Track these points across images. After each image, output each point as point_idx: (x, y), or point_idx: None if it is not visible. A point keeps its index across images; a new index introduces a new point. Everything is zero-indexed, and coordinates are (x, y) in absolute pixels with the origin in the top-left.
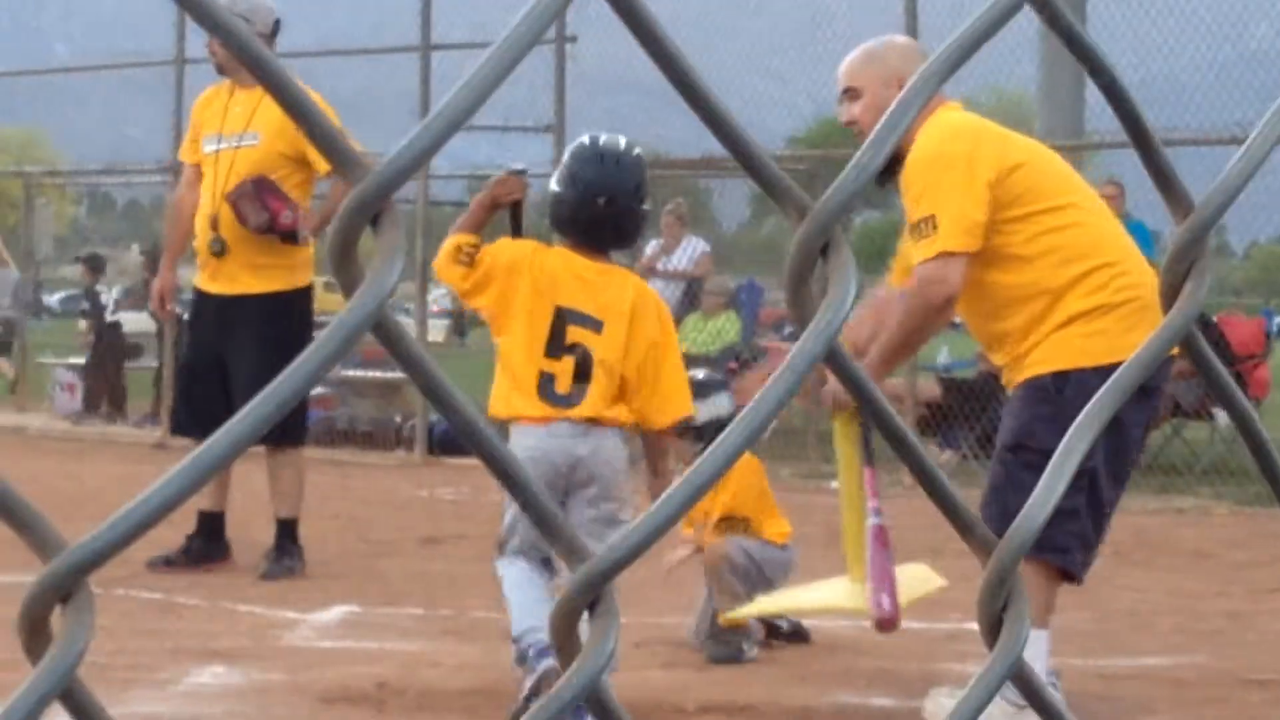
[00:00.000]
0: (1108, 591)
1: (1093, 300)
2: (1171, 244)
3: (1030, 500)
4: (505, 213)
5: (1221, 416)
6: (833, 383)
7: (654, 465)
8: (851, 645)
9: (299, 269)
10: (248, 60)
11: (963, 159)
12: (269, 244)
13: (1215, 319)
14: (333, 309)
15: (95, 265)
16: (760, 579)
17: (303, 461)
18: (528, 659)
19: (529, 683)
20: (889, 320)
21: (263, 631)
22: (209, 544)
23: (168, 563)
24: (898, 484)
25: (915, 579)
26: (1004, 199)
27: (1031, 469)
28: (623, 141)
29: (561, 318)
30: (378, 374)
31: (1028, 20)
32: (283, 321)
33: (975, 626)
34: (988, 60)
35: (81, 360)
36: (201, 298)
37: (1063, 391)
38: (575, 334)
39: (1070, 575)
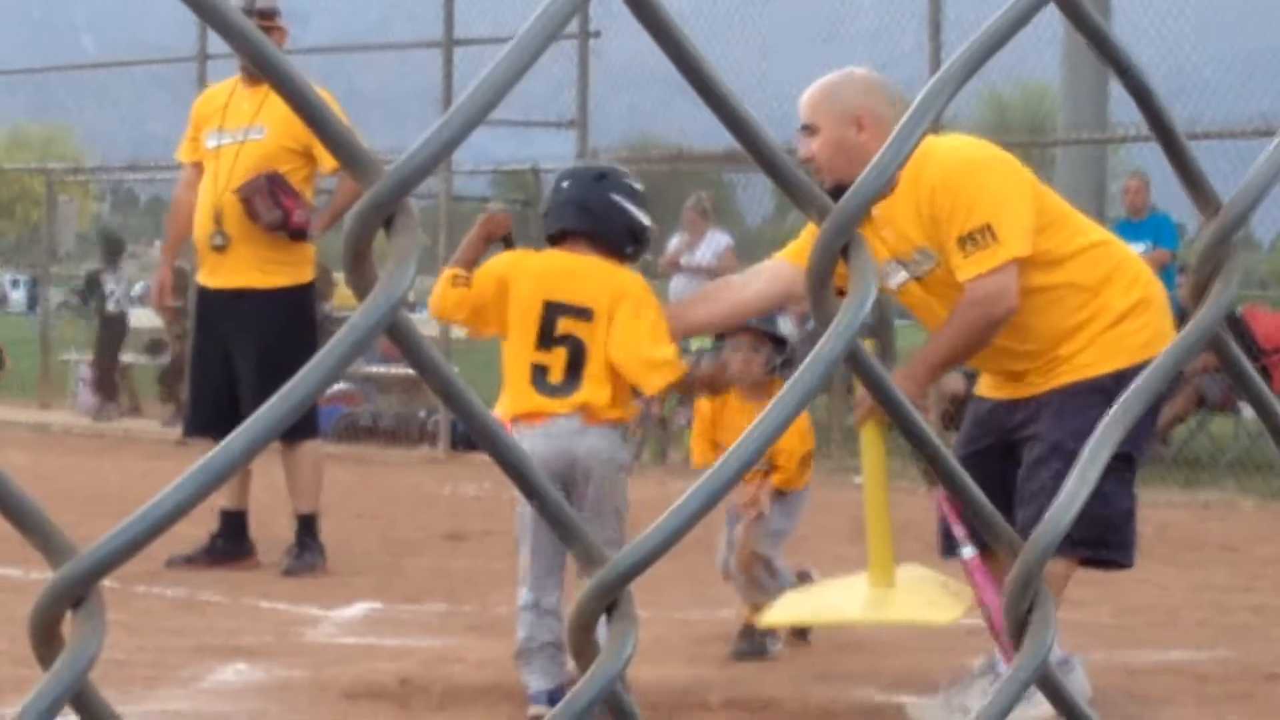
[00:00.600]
0: (1132, 586)
1: (1133, 295)
2: (1199, 244)
3: (1056, 503)
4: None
5: (1247, 410)
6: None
7: None
8: (875, 642)
9: (302, 265)
10: (261, 63)
11: (1004, 164)
12: (274, 240)
13: (1241, 311)
14: (352, 305)
15: (111, 248)
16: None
17: (319, 454)
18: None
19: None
20: (944, 328)
21: (286, 628)
22: (232, 543)
23: (188, 560)
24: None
25: (925, 596)
26: (1037, 206)
27: (1105, 472)
28: (605, 170)
29: (551, 311)
30: (401, 370)
31: (1052, 12)
32: (287, 317)
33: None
34: (1012, 52)
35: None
36: (203, 294)
37: (1120, 390)
38: (566, 325)
39: (1122, 565)
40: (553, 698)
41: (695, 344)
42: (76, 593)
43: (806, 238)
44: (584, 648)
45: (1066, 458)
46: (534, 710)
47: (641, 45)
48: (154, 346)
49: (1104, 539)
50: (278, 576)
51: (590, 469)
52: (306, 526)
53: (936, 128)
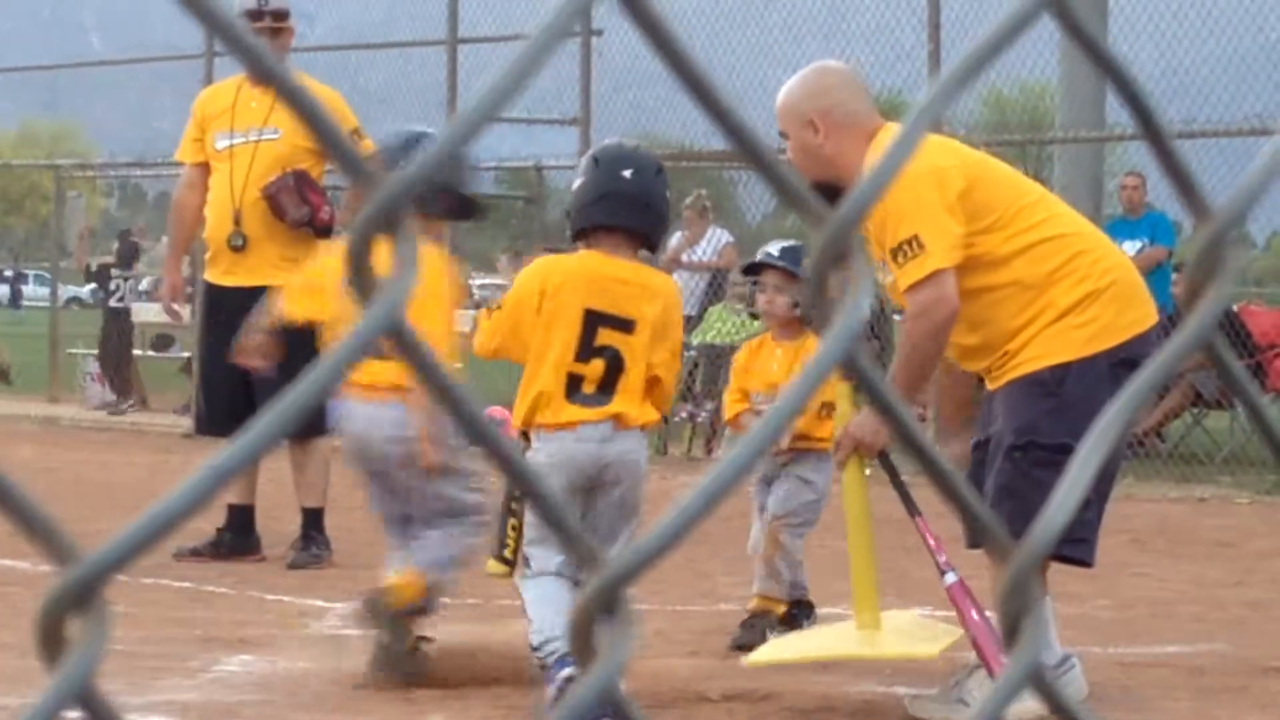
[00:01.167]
0: (1128, 580)
1: (1080, 289)
2: (1193, 248)
3: (1050, 506)
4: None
5: (1262, 401)
6: (853, 424)
7: None
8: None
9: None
10: (262, 70)
11: (932, 174)
12: (293, 237)
13: (1236, 309)
14: None
15: (126, 250)
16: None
17: (327, 451)
18: (548, 669)
19: (551, 692)
20: (897, 353)
21: (291, 620)
22: (239, 538)
23: (195, 553)
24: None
25: (912, 635)
26: (970, 210)
27: (1043, 465)
28: (635, 143)
29: (591, 320)
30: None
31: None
32: None
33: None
34: (1011, 52)
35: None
36: (218, 293)
37: (1064, 384)
38: (606, 336)
39: (1084, 563)
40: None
41: (698, 338)
42: (80, 597)
43: None
44: (583, 648)
45: (1009, 455)
46: (565, 673)
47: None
48: (161, 341)
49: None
50: (283, 569)
51: (620, 474)
52: (314, 521)
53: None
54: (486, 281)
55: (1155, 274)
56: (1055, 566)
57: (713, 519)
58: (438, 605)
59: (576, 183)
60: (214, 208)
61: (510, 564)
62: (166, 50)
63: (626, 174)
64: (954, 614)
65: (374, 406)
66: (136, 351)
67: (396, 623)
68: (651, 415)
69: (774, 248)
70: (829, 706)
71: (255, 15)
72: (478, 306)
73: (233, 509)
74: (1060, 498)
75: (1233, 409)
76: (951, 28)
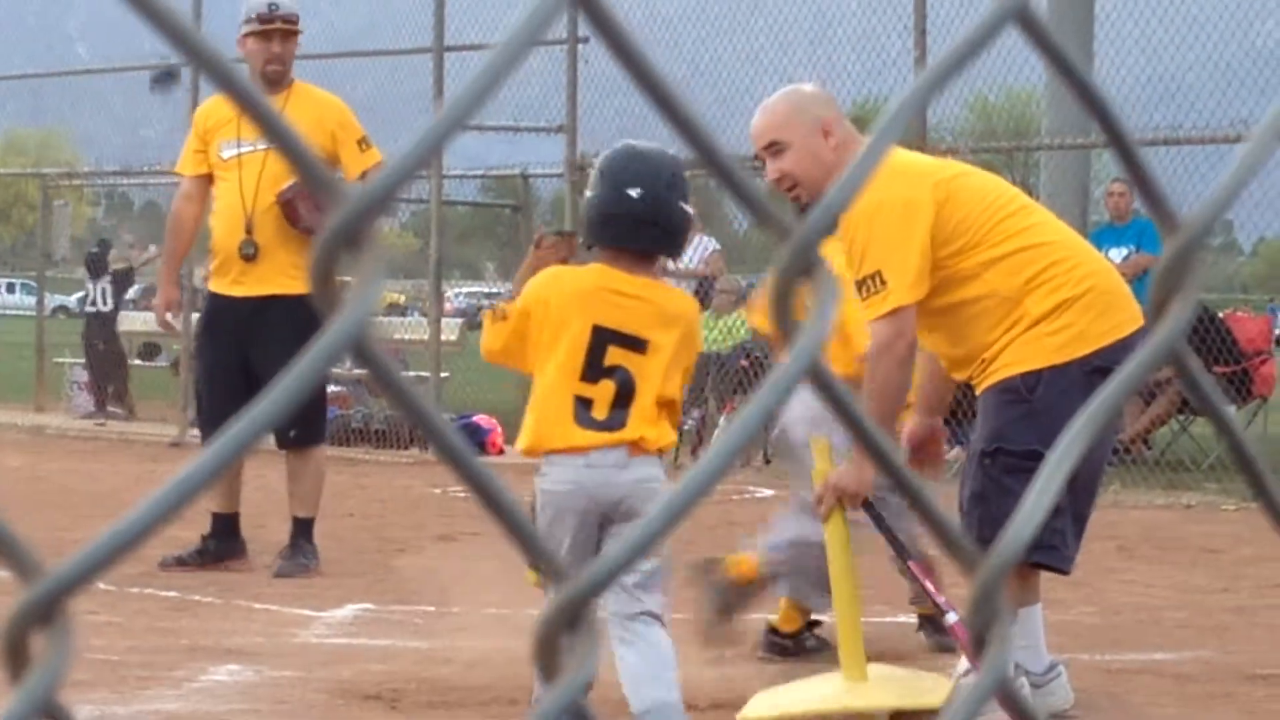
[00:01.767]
0: (1115, 586)
1: (1054, 298)
2: (1160, 262)
3: (1016, 517)
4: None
5: (1228, 413)
6: (835, 475)
7: None
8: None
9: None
10: (235, 96)
11: (900, 207)
12: (303, 245)
13: (1223, 316)
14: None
15: (94, 261)
16: None
17: (323, 461)
18: None
19: None
20: (864, 393)
21: (277, 629)
22: (224, 544)
23: (180, 562)
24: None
25: (905, 684)
26: (942, 237)
27: (1011, 472)
28: (654, 145)
29: (600, 338)
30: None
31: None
32: (314, 324)
33: None
34: (997, 58)
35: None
36: (224, 302)
37: (1034, 391)
38: (615, 355)
39: (1055, 569)
40: None
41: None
42: (45, 612)
43: None
44: (549, 662)
45: (979, 461)
46: None
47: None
48: (148, 350)
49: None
50: (270, 578)
51: (637, 505)
52: (305, 530)
53: (917, 142)
54: (474, 289)
55: (1142, 281)
56: (1044, 575)
57: (701, 527)
58: (775, 586)
59: (588, 192)
60: (224, 216)
61: None
62: (153, 59)
63: (634, 193)
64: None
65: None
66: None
67: (723, 592)
68: (669, 437)
69: None
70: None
71: (267, 19)
72: (462, 315)
73: (217, 517)
74: (1028, 507)
75: None
76: (937, 34)
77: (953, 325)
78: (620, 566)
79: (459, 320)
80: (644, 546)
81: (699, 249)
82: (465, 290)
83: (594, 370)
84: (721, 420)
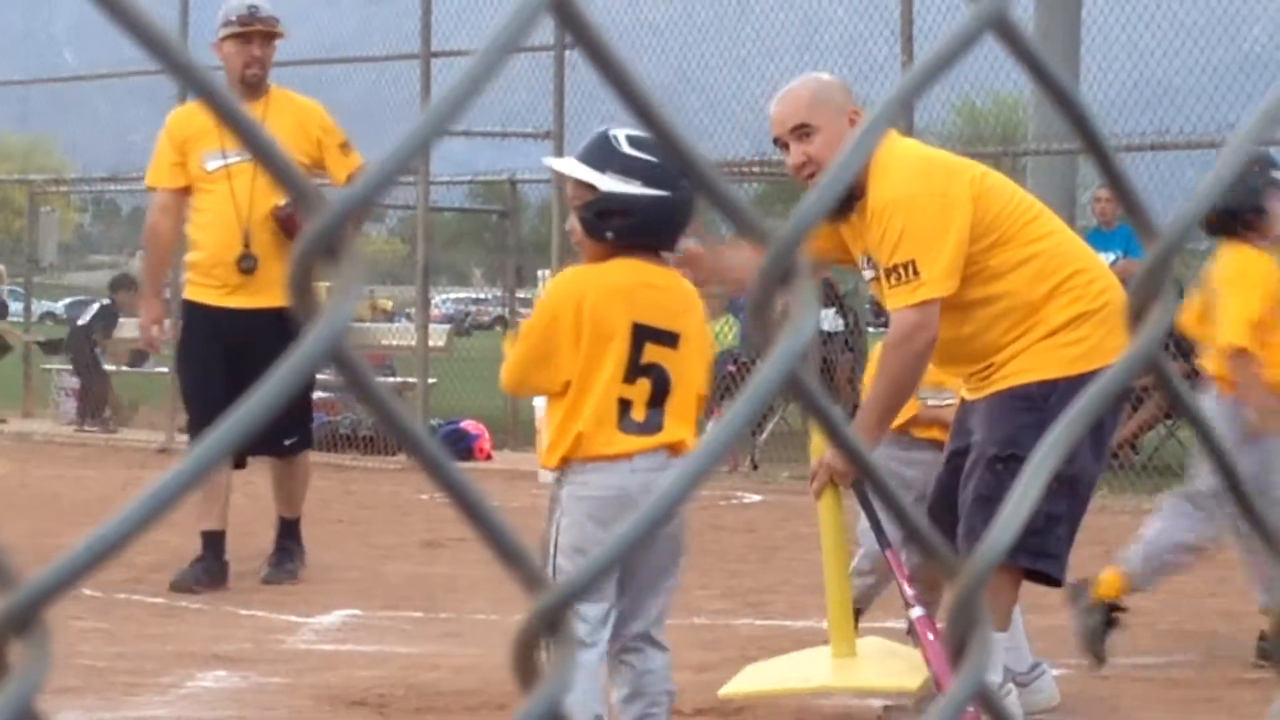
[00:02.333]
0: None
1: (1073, 309)
2: (1138, 269)
3: (996, 522)
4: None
5: (1209, 419)
6: (829, 454)
7: None
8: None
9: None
10: (214, 105)
11: (939, 201)
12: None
13: None
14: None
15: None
16: None
17: (309, 465)
18: None
19: None
20: (875, 378)
21: (264, 635)
22: (221, 561)
23: (198, 583)
24: None
25: (890, 665)
26: (977, 230)
27: (1018, 478)
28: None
29: (639, 336)
30: (379, 379)
31: (1021, 24)
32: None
33: None
34: (983, 63)
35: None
36: (216, 314)
37: (1049, 400)
38: (652, 353)
39: (1053, 580)
40: None
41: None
42: (22, 620)
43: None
44: (527, 671)
45: (990, 465)
46: None
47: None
48: (136, 356)
49: (1021, 545)
50: (257, 584)
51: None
52: (291, 531)
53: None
54: (462, 295)
55: (1128, 286)
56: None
57: (689, 532)
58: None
59: (646, 189)
60: (216, 230)
61: None
62: (140, 65)
63: (689, 195)
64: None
65: None
66: (110, 367)
67: (1093, 611)
68: (694, 437)
69: None
70: (802, 719)
71: (246, 21)
72: (449, 320)
73: (210, 535)
74: (1005, 515)
75: None
76: (924, 39)
77: (967, 322)
78: (595, 574)
79: (446, 326)
80: (619, 555)
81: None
82: (453, 296)
83: (633, 370)
84: (709, 426)
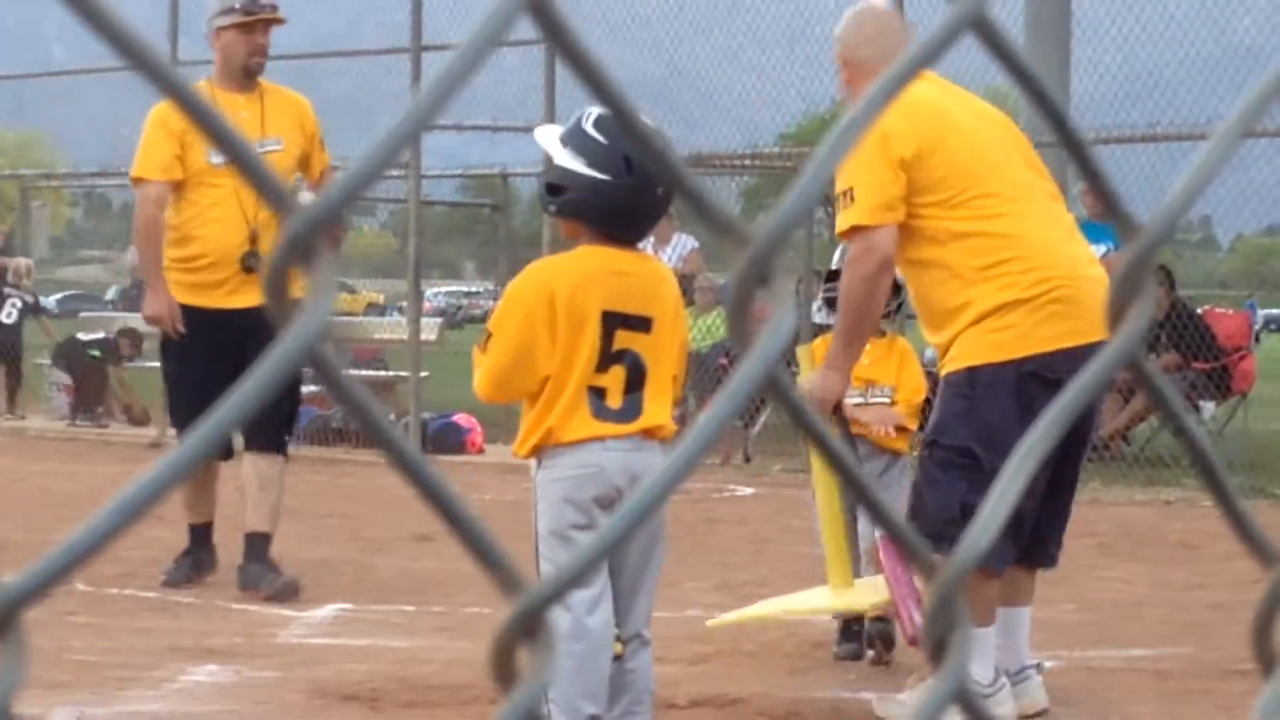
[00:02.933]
0: (1094, 583)
1: (1003, 296)
2: (1117, 267)
3: (975, 524)
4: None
5: (1206, 409)
6: (810, 382)
7: None
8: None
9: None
10: (190, 109)
11: (879, 134)
12: None
13: (1201, 312)
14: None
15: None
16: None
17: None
18: None
19: None
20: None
21: (256, 629)
22: (209, 554)
23: (188, 580)
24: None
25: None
26: (923, 181)
27: (942, 466)
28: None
29: (609, 324)
30: (371, 373)
31: (1014, 18)
32: None
33: None
34: (975, 55)
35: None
36: (216, 316)
37: (975, 387)
38: (624, 339)
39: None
40: None
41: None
42: None
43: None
44: (505, 673)
45: (928, 449)
46: None
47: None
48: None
49: (937, 534)
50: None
51: None
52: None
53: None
54: (453, 289)
55: None
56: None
57: (682, 525)
58: None
59: (587, 169)
60: (220, 225)
61: None
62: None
63: (661, 192)
64: None
65: None
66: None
67: None
68: (671, 422)
69: None
70: (796, 711)
71: (251, 10)
72: (441, 314)
73: (196, 528)
74: (985, 515)
75: (1197, 412)
76: (915, 33)
77: (919, 286)
78: (577, 575)
79: (438, 320)
80: (601, 555)
81: (678, 247)
82: (444, 289)
83: (605, 357)
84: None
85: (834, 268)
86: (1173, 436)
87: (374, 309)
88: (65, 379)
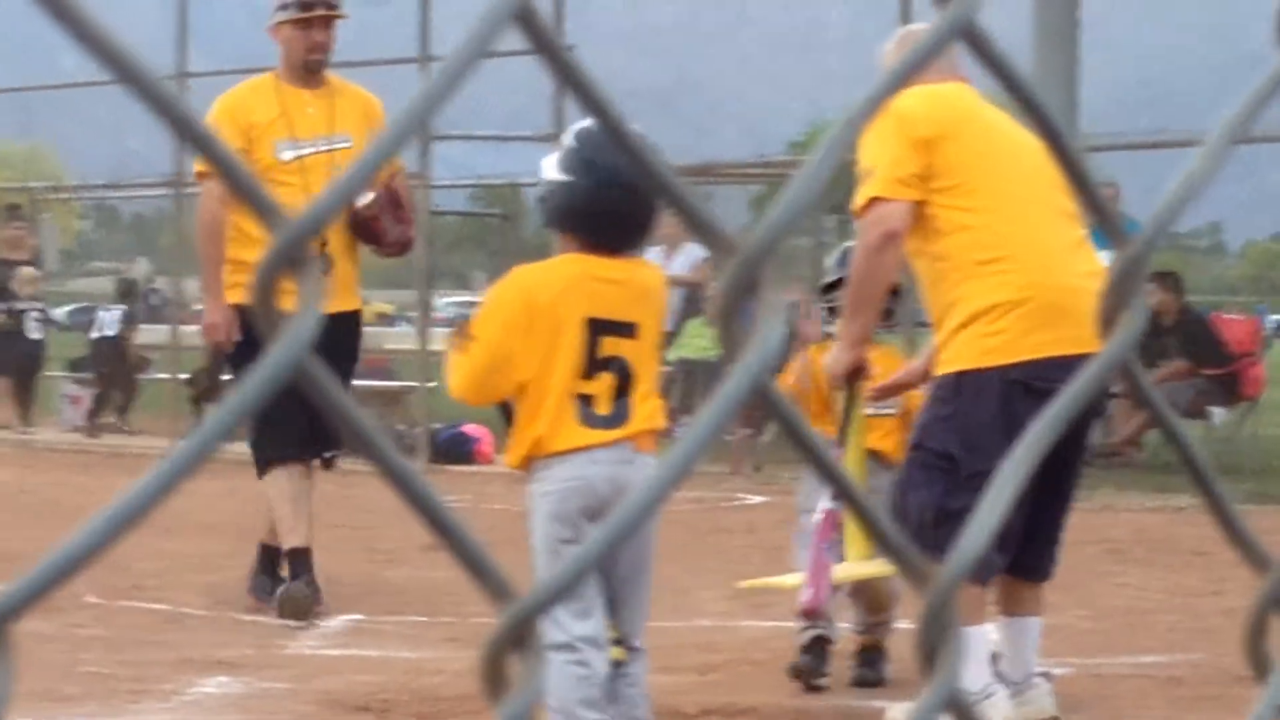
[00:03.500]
0: (1106, 590)
1: (994, 296)
2: (1108, 275)
3: (967, 531)
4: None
5: (1216, 415)
6: (826, 360)
7: None
8: (850, 648)
9: (358, 285)
10: (168, 115)
11: (897, 114)
12: (357, 258)
13: (1210, 317)
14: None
15: (125, 290)
16: None
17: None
18: None
19: None
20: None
21: (267, 641)
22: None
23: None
24: None
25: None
26: (937, 166)
27: (923, 468)
28: (635, 127)
29: (593, 331)
30: (380, 383)
31: (1021, 25)
32: (354, 342)
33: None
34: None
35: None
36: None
37: (960, 392)
38: (610, 346)
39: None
40: None
41: (674, 354)
42: None
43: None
44: (495, 682)
45: (912, 450)
46: None
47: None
48: (141, 363)
49: (913, 537)
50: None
51: None
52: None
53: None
54: (463, 299)
55: None
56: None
57: (692, 534)
58: None
59: (559, 174)
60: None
61: None
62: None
63: (620, 193)
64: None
65: None
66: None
67: None
68: (660, 412)
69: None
70: (806, 719)
71: (307, 5)
72: (450, 324)
73: (294, 552)
74: (976, 524)
75: (1207, 419)
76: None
77: (925, 280)
78: (567, 585)
79: (448, 330)
80: (590, 565)
81: (689, 256)
82: (454, 300)
83: (592, 365)
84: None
85: (830, 279)
86: (1204, 437)
87: (383, 319)
88: (75, 390)
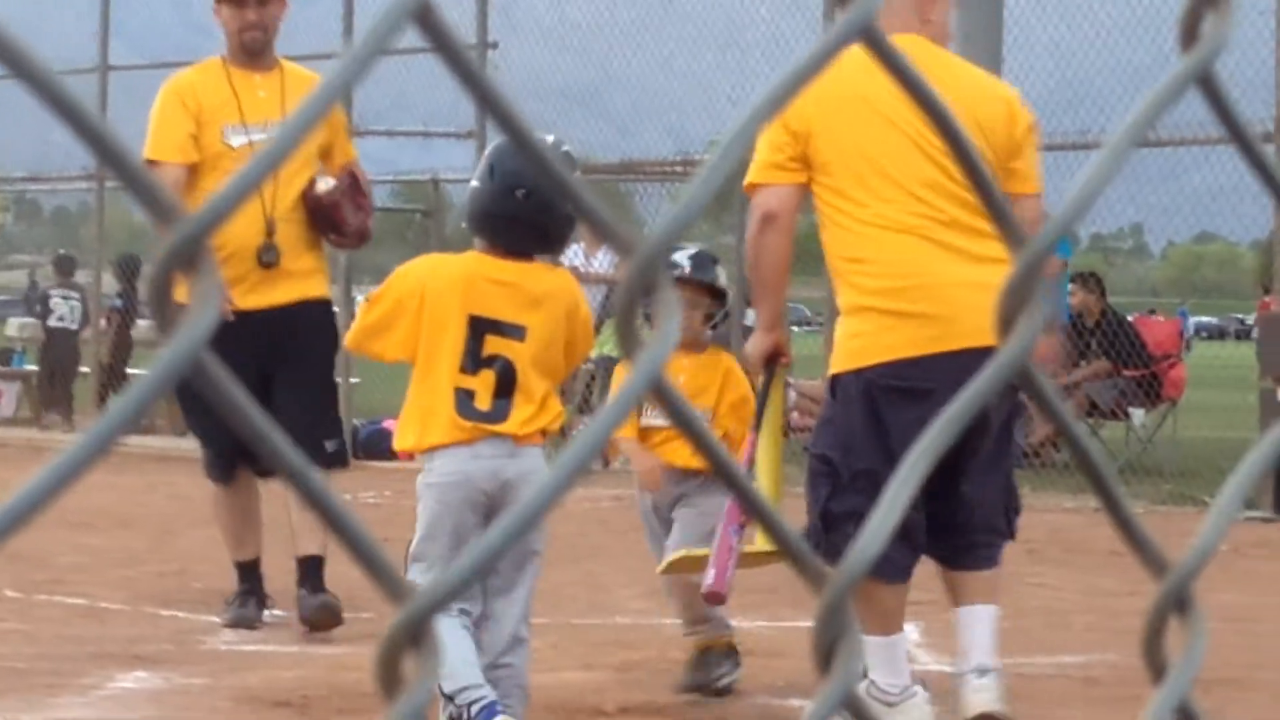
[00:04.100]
0: (1024, 589)
1: (854, 298)
2: (1008, 276)
3: (862, 535)
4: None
5: (1136, 416)
6: (747, 346)
7: None
8: (770, 647)
9: (325, 271)
10: (54, 105)
11: (799, 104)
12: (318, 246)
13: (1132, 319)
14: None
15: (63, 265)
16: None
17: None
18: (468, 717)
19: None
20: None
21: (185, 636)
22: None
23: (256, 624)
24: None
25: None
26: (815, 159)
27: (811, 472)
28: (549, 137)
29: (477, 328)
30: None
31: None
32: (332, 329)
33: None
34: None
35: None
36: (237, 317)
37: (834, 395)
38: (494, 345)
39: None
40: None
41: (595, 352)
42: None
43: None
44: (390, 681)
45: (807, 454)
46: None
47: (540, 57)
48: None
49: (810, 540)
50: (178, 584)
51: (522, 494)
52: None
53: None
54: None
55: (1052, 285)
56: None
57: (611, 532)
58: None
59: (474, 182)
60: (240, 217)
61: None
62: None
63: (520, 194)
64: None
65: None
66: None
67: None
68: (556, 415)
69: (683, 258)
70: (725, 718)
71: None
72: None
73: (243, 565)
74: (873, 526)
75: (1127, 420)
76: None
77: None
78: (461, 584)
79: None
80: (485, 563)
81: (609, 255)
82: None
83: (474, 361)
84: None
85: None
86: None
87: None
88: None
